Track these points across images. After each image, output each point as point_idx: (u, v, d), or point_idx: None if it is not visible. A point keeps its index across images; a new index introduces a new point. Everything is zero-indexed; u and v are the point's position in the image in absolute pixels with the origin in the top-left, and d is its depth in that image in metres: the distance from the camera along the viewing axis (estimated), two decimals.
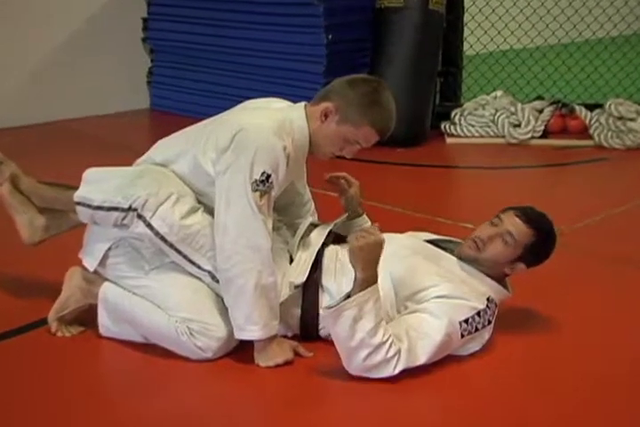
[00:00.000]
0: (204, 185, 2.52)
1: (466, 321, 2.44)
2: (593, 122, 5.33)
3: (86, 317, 2.68)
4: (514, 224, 2.55)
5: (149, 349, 2.56)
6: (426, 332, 2.40)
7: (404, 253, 2.59)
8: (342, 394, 2.38)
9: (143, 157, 2.69)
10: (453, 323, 2.42)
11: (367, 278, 2.32)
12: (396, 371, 2.35)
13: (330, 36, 5.25)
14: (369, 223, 2.83)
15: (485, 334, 2.53)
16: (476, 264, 2.58)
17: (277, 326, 2.47)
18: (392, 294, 2.50)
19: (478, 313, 2.47)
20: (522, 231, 2.55)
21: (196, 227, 2.48)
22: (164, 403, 2.33)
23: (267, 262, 2.43)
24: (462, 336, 2.44)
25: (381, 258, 2.55)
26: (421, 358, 2.38)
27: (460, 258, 2.59)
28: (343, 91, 2.52)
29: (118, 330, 2.61)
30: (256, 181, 2.40)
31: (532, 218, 2.58)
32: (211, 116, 2.69)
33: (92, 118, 6.00)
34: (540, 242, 2.57)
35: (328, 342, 2.51)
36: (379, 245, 2.31)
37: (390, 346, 2.33)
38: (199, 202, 2.54)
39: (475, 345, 2.53)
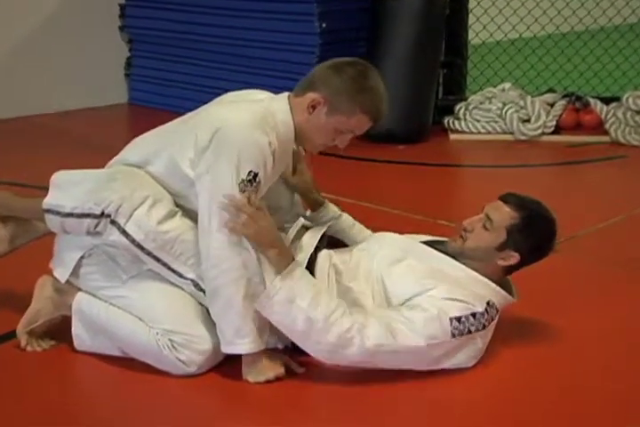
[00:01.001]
0: (182, 187, 2.52)
1: (458, 319, 2.45)
2: (609, 116, 5.35)
3: (59, 329, 2.68)
4: (493, 207, 2.59)
5: (128, 364, 2.56)
6: (408, 317, 2.43)
7: (398, 256, 2.61)
8: (335, 412, 2.38)
9: (116, 158, 2.69)
10: (442, 318, 2.43)
11: (281, 253, 2.42)
12: (368, 344, 2.36)
13: (323, 25, 5.26)
14: (333, 210, 2.84)
15: (479, 342, 2.53)
16: (468, 260, 2.58)
17: (267, 339, 2.48)
18: (384, 302, 2.53)
19: (474, 314, 2.48)
20: (500, 213, 2.56)
21: (175, 232, 2.48)
22: (144, 424, 2.33)
23: (256, 270, 2.44)
24: (453, 335, 2.45)
25: (374, 262, 2.55)
26: (400, 340, 2.39)
27: (451, 255, 2.60)
28: (328, 78, 2.52)
29: (94, 343, 2.61)
30: (243, 181, 2.40)
31: (512, 199, 2.60)
32: (194, 110, 2.69)
33: (64, 114, 5.99)
34: (525, 223, 2.56)
35: None
36: (270, 227, 2.43)
37: (343, 315, 2.37)
38: (177, 205, 2.54)
39: (469, 356, 2.53)
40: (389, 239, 2.74)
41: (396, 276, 2.55)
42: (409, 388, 2.45)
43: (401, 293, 2.51)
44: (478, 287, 2.55)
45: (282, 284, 2.38)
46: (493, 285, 2.58)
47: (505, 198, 2.60)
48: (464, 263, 2.58)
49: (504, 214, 2.56)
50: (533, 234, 2.57)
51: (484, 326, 2.51)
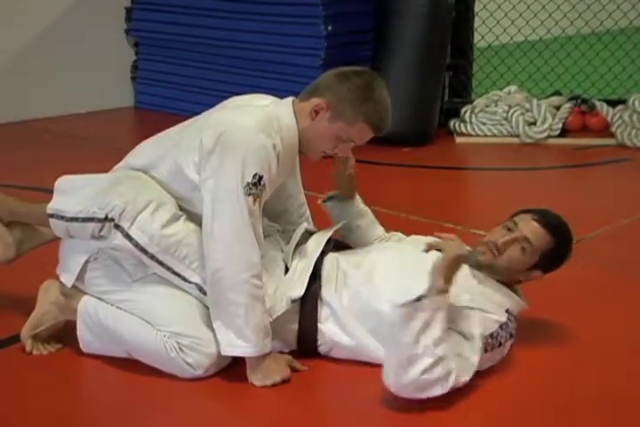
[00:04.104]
0: (185, 190, 2.52)
1: (491, 335, 2.45)
2: (615, 119, 5.34)
3: (65, 331, 2.68)
4: (531, 229, 2.57)
5: (134, 366, 2.55)
6: (464, 355, 2.39)
7: (417, 266, 2.58)
8: (344, 416, 2.38)
9: (121, 163, 2.70)
10: (481, 339, 2.42)
11: (444, 289, 2.34)
12: (446, 390, 2.31)
13: (329, 28, 5.26)
14: (361, 205, 2.87)
15: (505, 349, 2.54)
16: (489, 272, 2.58)
17: (270, 342, 2.47)
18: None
19: (501, 326, 2.48)
20: (540, 237, 2.56)
21: (179, 236, 2.48)
22: (150, 426, 2.33)
23: (258, 274, 2.43)
24: (485, 351, 2.44)
25: (393, 272, 2.56)
26: (461, 381, 2.36)
27: (473, 266, 2.60)
28: (334, 85, 2.53)
29: (100, 346, 2.60)
30: (248, 184, 2.40)
31: (550, 222, 2.59)
32: (200, 114, 2.69)
33: (70, 117, 5.99)
34: (558, 248, 2.59)
35: (327, 358, 2.52)
36: (461, 259, 2.40)
37: (447, 361, 2.31)
38: (181, 209, 2.54)
39: (494, 360, 2.53)
40: (405, 249, 2.72)
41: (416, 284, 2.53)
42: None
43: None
44: (496, 296, 2.55)
45: (435, 305, 2.30)
46: (510, 292, 2.59)
47: (541, 219, 2.58)
48: (487, 276, 2.59)
49: (542, 239, 2.56)
50: (561, 257, 2.61)
51: (512, 335, 2.52)
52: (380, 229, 2.92)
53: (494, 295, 2.55)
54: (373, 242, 2.87)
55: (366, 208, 2.90)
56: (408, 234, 2.94)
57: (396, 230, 2.97)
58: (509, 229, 2.58)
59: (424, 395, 2.30)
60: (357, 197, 2.87)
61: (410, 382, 2.28)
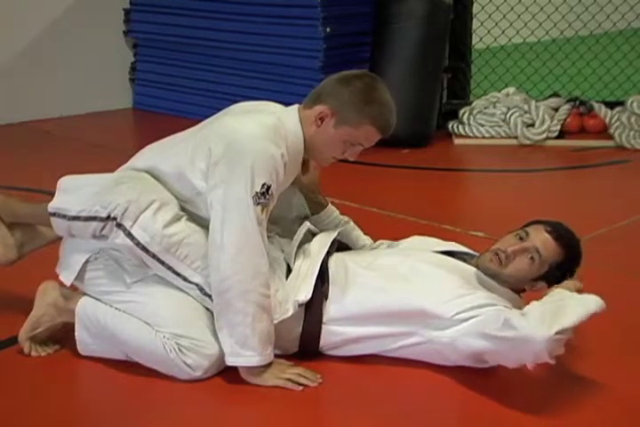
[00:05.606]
0: (190, 194, 2.52)
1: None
2: (613, 121, 5.34)
3: (63, 333, 2.67)
4: (542, 240, 2.56)
5: (132, 368, 2.54)
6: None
7: (426, 268, 2.59)
8: (346, 416, 2.36)
9: (125, 165, 2.70)
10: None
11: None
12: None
13: (328, 29, 5.26)
14: (337, 213, 2.85)
15: None
16: (496, 279, 2.58)
17: (273, 353, 2.46)
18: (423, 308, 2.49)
19: None
20: (551, 248, 2.56)
21: (180, 235, 2.48)
22: None
23: (266, 283, 2.43)
24: None
25: (404, 274, 2.56)
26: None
27: (480, 270, 2.60)
28: (336, 91, 2.53)
29: (98, 347, 2.60)
30: (257, 193, 2.40)
31: (562, 235, 2.59)
32: (199, 115, 2.69)
33: (68, 119, 6.00)
34: (567, 261, 2.59)
35: (328, 356, 2.54)
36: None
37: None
38: (183, 209, 2.54)
39: None
40: (413, 253, 2.72)
41: (428, 284, 2.52)
42: (416, 394, 2.44)
43: (438, 299, 2.49)
44: (504, 300, 2.54)
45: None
46: (517, 297, 2.60)
47: (552, 231, 2.58)
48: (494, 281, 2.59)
49: (552, 251, 2.56)
50: (569, 272, 2.60)
51: None
52: (363, 238, 2.89)
53: (502, 300, 2.53)
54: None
55: (345, 218, 2.88)
56: (404, 237, 2.94)
57: (394, 232, 2.96)
58: (521, 239, 2.58)
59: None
60: (331, 207, 2.86)
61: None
